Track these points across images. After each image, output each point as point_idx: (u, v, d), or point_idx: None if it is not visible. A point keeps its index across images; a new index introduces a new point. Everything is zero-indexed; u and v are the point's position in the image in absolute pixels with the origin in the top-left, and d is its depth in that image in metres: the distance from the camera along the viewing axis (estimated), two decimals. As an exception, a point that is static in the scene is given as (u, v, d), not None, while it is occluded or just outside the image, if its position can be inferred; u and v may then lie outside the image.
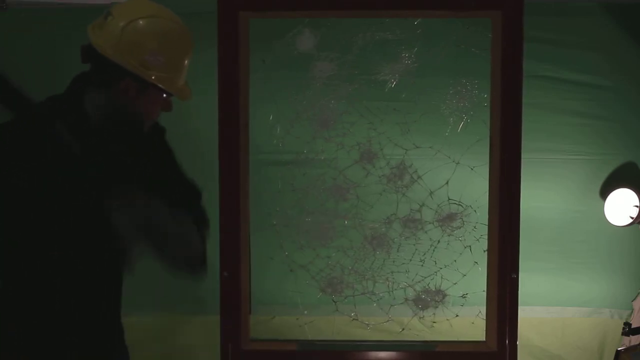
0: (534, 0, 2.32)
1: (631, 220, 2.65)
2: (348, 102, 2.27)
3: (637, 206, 2.64)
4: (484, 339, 2.20)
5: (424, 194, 2.29)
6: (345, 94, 2.26)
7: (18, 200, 1.66)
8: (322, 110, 2.26)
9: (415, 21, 2.22)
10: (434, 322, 2.31)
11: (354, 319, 2.32)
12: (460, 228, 2.28)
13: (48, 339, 1.72)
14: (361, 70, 2.25)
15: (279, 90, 2.27)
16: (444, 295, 2.30)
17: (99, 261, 1.74)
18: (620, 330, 2.66)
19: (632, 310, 2.72)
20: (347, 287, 2.30)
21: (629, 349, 2.55)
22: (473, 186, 2.24)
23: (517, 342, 2.17)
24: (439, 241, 2.29)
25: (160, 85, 1.70)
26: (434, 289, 2.31)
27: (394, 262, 2.30)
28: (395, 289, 2.31)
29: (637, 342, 2.62)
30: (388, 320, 2.33)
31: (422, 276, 2.30)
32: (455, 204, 2.29)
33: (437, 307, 2.30)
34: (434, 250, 2.29)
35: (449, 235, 2.29)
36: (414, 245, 2.29)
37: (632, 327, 2.62)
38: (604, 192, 2.69)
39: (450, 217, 2.29)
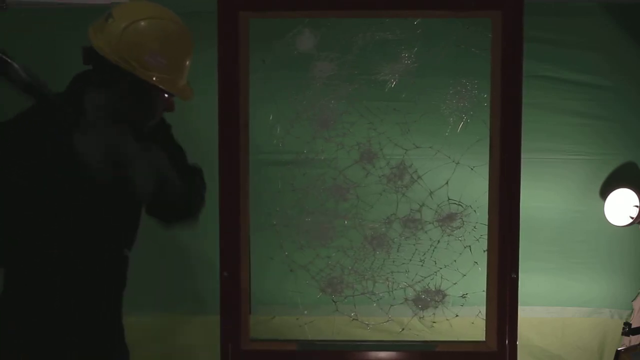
0: (534, 0, 2.32)
1: (631, 220, 2.64)
2: (348, 102, 2.27)
3: (637, 206, 2.64)
4: (484, 339, 2.20)
5: (424, 194, 2.29)
6: (345, 94, 2.26)
7: (18, 199, 1.66)
8: (322, 110, 2.26)
9: (415, 21, 2.22)
10: (434, 322, 2.31)
11: (354, 319, 2.32)
12: (460, 228, 2.28)
13: (48, 338, 1.72)
14: (361, 70, 2.25)
15: (279, 90, 2.27)
16: (444, 295, 2.30)
17: (99, 261, 1.74)
18: (620, 330, 2.66)
19: (632, 310, 2.72)
20: (347, 287, 2.30)
21: (629, 349, 2.55)
22: (473, 186, 2.24)
23: (517, 342, 2.17)
24: (439, 241, 2.29)
25: (161, 87, 1.70)
26: (434, 289, 2.31)
27: (394, 262, 2.30)
28: (395, 289, 2.31)
29: (637, 342, 2.61)
30: (388, 320, 2.32)
31: (422, 276, 2.30)
32: (455, 204, 2.29)
33: (437, 307, 2.30)
34: (434, 250, 2.29)
35: (449, 235, 2.29)
36: (414, 245, 2.29)
37: (632, 327, 2.62)
38: (604, 192, 2.69)
39: (450, 217, 2.29)
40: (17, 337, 1.72)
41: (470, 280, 2.28)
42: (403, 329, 2.35)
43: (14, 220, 1.68)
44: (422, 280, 2.31)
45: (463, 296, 2.32)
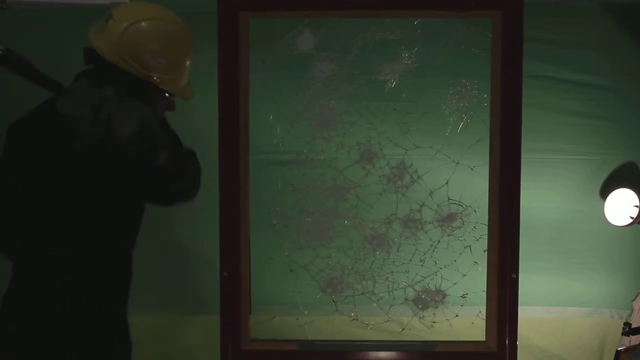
0: (534, 0, 2.32)
1: (631, 220, 2.65)
2: (348, 102, 2.27)
3: (637, 206, 2.64)
4: (484, 339, 2.20)
5: (424, 194, 2.29)
6: (345, 94, 2.26)
7: (25, 198, 1.66)
8: (322, 110, 2.26)
9: (415, 21, 2.22)
10: (434, 322, 2.31)
11: (354, 319, 2.32)
12: (460, 228, 2.28)
13: (48, 338, 1.72)
14: (361, 70, 2.25)
15: (279, 90, 2.27)
16: (444, 295, 2.30)
17: (104, 259, 1.74)
18: (620, 330, 2.66)
19: (632, 310, 2.72)
20: (347, 287, 2.30)
21: (629, 349, 2.55)
22: (473, 186, 2.24)
23: (517, 342, 2.17)
24: (439, 241, 2.29)
25: (162, 87, 1.71)
26: (434, 289, 2.31)
27: (394, 262, 2.29)
28: (395, 289, 2.31)
29: (637, 342, 2.62)
30: (388, 320, 2.33)
31: (422, 276, 2.30)
32: (455, 204, 2.29)
33: (437, 307, 2.30)
34: (434, 250, 2.29)
35: (449, 235, 2.29)
36: (414, 245, 2.29)
37: (632, 327, 2.62)
38: (604, 192, 2.69)
39: (450, 217, 2.29)
40: (20, 339, 1.72)
41: (470, 280, 2.28)
42: (403, 329, 2.35)
43: (20, 220, 1.69)
44: (422, 280, 2.31)
45: (463, 296, 2.32)
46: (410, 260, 2.30)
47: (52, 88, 1.64)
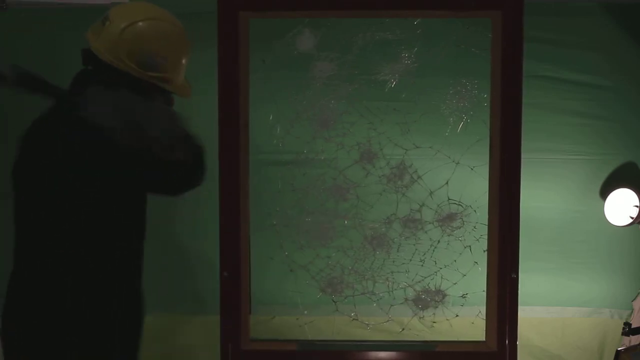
0: (534, 0, 2.32)
1: (631, 220, 2.64)
2: (348, 102, 2.27)
3: (637, 206, 2.64)
4: (484, 339, 2.20)
5: (424, 194, 2.29)
6: (345, 94, 2.26)
7: (29, 198, 1.67)
8: (322, 110, 2.26)
9: (415, 21, 2.22)
10: (434, 322, 2.31)
11: (354, 319, 2.32)
12: (460, 228, 2.28)
13: (48, 338, 1.72)
14: (361, 70, 2.25)
15: (279, 90, 2.27)
16: (444, 295, 2.30)
17: (99, 261, 1.74)
18: (620, 330, 2.66)
19: (632, 310, 2.72)
20: (347, 287, 2.30)
21: (629, 349, 2.55)
22: (473, 186, 2.24)
23: (517, 342, 2.17)
24: (439, 241, 2.29)
25: (160, 85, 1.71)
26: (434, 289, 2.31)
27: (394, 262, 2.30)
28: (395, 289, 2.31)
29: (637, 342, 2.62)
30: (388, 320, 2.33)
31: (422, 276, 2.30)
32: (455, 204, 2.29)
33: (437, 307, 2.30)
34: (434, 250, 2.29)
35: (449, 235, 2.29)
36: (414, 245, 2.29)
37: (632, 327, 2.62)
38: (604, 192, 2.69)
39: (450, 217, 2.29)
40: (20, 339, 1.72)
41: (470, 280, 2.28)
42: (403, 329, 2.35)
43: (24, 220, 1.69)
44: (422, 280, 2.31)
45: (463, 296, 2.32)
46: (410, 260, 2.30)
47: (56, 95, 1.65)
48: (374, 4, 2.16)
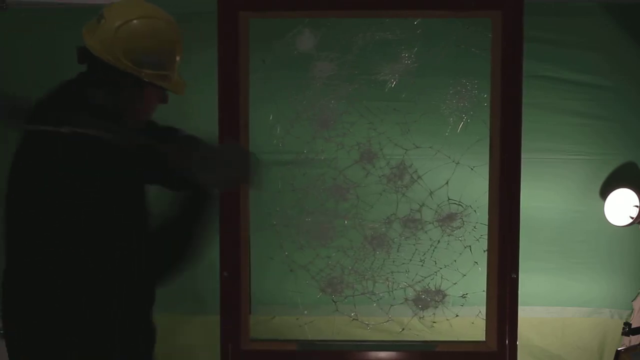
0: (534, 0, 2.32)
1: (631, 220, 2.64)
2: (348, 102, 2.27)
3: (637, 206, 2.63)
4: (484, 339, 2.20)
5: (424, 194, 2.29)
6: (345, 94, 2.26)
7: (26, 199, 1.67)
8: (322, 110, 2.26)
9: (415, 21, 2.22)
10: (434, 322, 2.31)
11: (354, 319, 2.32)
12: (460, 228, 2.28)
13: (48, 338, 1.72)
14: (361, 70, 2.25)
15: (279, 90, 2.27)
16: (444, 295, 2.30)
17: (100, 261, 1.74)
18: (620, 330, 2.66)
19: (632, 310, 2.72)
20: (347, 287, 2.30)
21: (629, 349, 2.55)
22: (473, 186, 2.24)
23: (517, 342, 2.17)
24: (439, 241, 2.29)
25: (155, 83, 1.72)
26: (434, 289, 2.31)
27: (394, 262, 2.30)
28: (395, 289, 2.31)
29: (637, 342, 2.61)
30: (388, 320, 2.33)
31: (422, 276, 2.30)
32: (455, 204, 2.29)
33: (437, 307, 2.30)
34: (434, 250, 2.29)
35: (449, 235, 2.29)
36: (414, 245, 2.29)
37: (632, 327, 2.62)
38: (604, 192, 2.68)
39: (450, 217, 2.29)
40: (20, 338, 1.72)
41: (470, 280, 2.28)
42: (403, 329, 2.35)
43: (21, 220, 1.69)
44: (422, 280, 2.31)
45: (463, 296, 2.32)
46: (410, 260, 2.30)
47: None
48: (374, 4, 2.16)
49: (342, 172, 2.28)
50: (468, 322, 2.27)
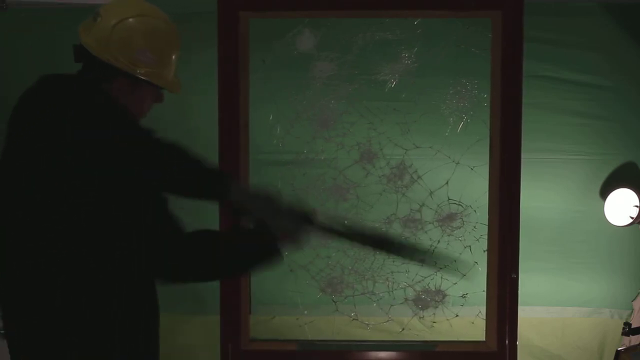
0: (534, 0, 2.32)
1: (631, 220, 2.64)
2: (348, 102, 2.27)
3: (637, 206, 2.63)
4: (484, 339, 2.20)
5: (424, 194, 2.29)
6: (345, 94, 2.26)
7: (25, 199, 1.67)
8: (322, 110, 2.27)
9: (415, 21, 2.22)
10: (434, 322, 2.31)
11: (354, 319, 2.32)
12: (460, 228, 2.28)
13: (48, 338, 1.72)
14: (361, 70, 2.25)
15: (279, 90, 2.27)
16: (444, 295, 2.30)
17: (100, 261, 1.74)
18: (620, 330, 2.66)
19: (632, 310, 2.72)
20: (347, 287, 2.30)
21: (629, 349, 2.55)
22: (473, 186, 2.24)
23: (517, 342, 2.17)
24: (439, 241, 2.29)
25: (150, 81, 1.73)
26: (434, 289, 2.31)
27: (394, 262, 2.29)
28: (395, 289, 2.31)
29: (637, 342, 2.61)
30: (388, 320, 2.32)
31: (422, 276, 2.30)
32: (455, 204, 2.29)
33: (437, 307, 2.30)
34: (434, 250, 2.29)
35: (449, 235, 2.29)
36: (414, 245, 2.29)
37: (632, 327, 2.61)
38: (604, 192, 2.68)
39: (450, 217, 2.29)
40: (20, 338, 1.72)
41: (470, 280, 2.28)
42: (403, 329, 2.35)
43: (20, 220, 1.69)
44: (422, 280, 2.31)
45: (463, 296, 2.32)
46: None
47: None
48: (374, 4, 2.16)
49: (342, 172, 2.28)
50: (468, 322, 2.27)
